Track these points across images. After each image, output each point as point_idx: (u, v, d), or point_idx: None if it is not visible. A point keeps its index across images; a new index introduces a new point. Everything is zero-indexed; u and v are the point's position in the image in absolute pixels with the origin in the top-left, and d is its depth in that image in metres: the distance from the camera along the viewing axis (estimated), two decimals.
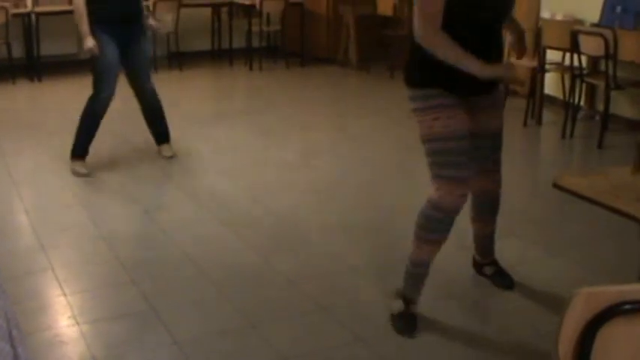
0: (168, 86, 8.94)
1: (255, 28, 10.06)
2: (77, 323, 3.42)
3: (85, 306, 3.62)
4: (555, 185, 2.64)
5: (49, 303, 3.65)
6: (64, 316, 3.50)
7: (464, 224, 3.62)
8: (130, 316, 3.51)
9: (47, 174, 5.63)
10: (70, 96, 8.14)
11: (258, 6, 9.79)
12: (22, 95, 8.63)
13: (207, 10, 10.55)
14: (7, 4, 8.90)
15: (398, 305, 3.43)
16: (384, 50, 9.59)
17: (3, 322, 2.20)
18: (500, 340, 3.27)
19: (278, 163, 5.87)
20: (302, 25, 10.20)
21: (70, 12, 9.38)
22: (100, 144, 5.94)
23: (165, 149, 5.97)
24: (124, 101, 5.94)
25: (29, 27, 9.39)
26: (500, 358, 3.15)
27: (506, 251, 4.13)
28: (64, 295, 3.70)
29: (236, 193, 5.16)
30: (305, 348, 3.22)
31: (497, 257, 3.87)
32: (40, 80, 9.09)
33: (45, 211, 4.92)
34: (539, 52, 6.99)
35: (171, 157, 5.91)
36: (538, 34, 7.00)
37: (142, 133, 6.12)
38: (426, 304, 3.46)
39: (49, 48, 9.42)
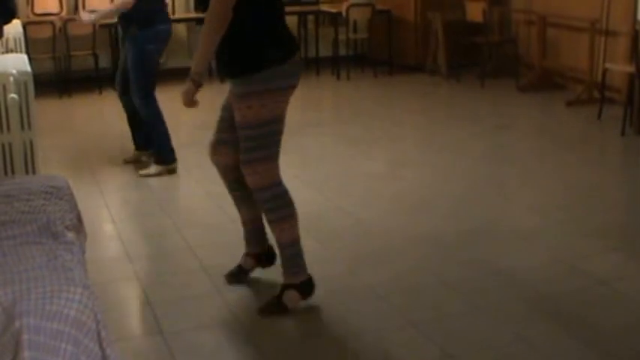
0: None
1: (342, 37, 10.00)
2: (162, 332, 3.39)
3: (170, 315, 3.59)
4: None
5: (134, 312, 3.64)
6: (150, 326, 3.48)
7: None
8: (215, 326, 3.47)
9: (133, 183, 5.68)
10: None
11: (344, 13, 9.73)
12: (108, 105, 8.75)
13: (293, 19, 10.53)
14: None
15: (293, 296, 3.52)
16: (473, 58, 9.41)
17: (93, 323, 2.26)
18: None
19: (366, 174, 5.78)
20: (389, 32, 10.08)
21: None
22: (186, 151, 5.97)
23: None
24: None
25: (116, 38, 9.56)
26: None
27: (603, 265, 3.96)
28: (150, 304, 3.68)
29: (322, 203, 5.09)
30: None
31: (593, 270, 3.74)
32: None
33: (131, 220, 4.95)
34: (637, 57, 6.71)
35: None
36: (635, 37, 6.72)
37: None
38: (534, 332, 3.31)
39: None
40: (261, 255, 3.86)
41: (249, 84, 3.33)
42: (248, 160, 3.41)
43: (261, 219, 3.72)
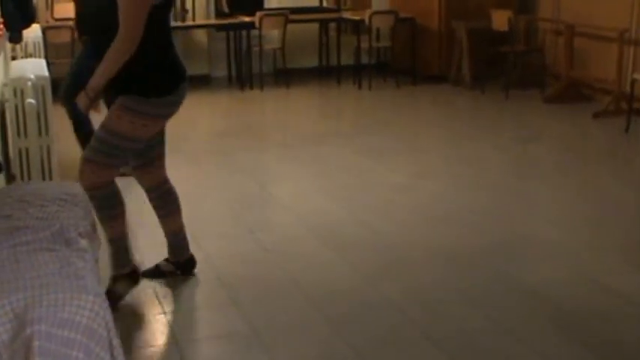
0: (274, 104, 8.92)
1: (364, 45, 9.90)
2: (176, 342, 3.34)
3: (185, 325, 3.55)
4: None
5: (149, 321, 3.59)
6: (164, 335, 3.44)
7: None
8: (230, 337, 3.42)
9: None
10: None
11: (367, 21, 9.65)
12: None
13: (315, 26, 10.48)
14: None
15: (120, 287, 3.69)
16: (498, 68, 9.30)
17: (104, 331, 2.26)
18: None
19: (386, 185, 5.71)
20: (413, 41, 9.99)
21: None
22: (202, 167, 5.93)
23: None
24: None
25: None
26: None
27: (629, 283, 3.86)
28: (164, 313, 3.63)
29: (342, 215, 5.01)
30: None
31: (619, 288, 3.71)
32: None
33: (145, 228, 4.89)
34: None
35: None
36: None
37: (234, 158, 6.05)
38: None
39: None
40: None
41: (139, 103, 3.48)
42: (91, 159, 3.55)
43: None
